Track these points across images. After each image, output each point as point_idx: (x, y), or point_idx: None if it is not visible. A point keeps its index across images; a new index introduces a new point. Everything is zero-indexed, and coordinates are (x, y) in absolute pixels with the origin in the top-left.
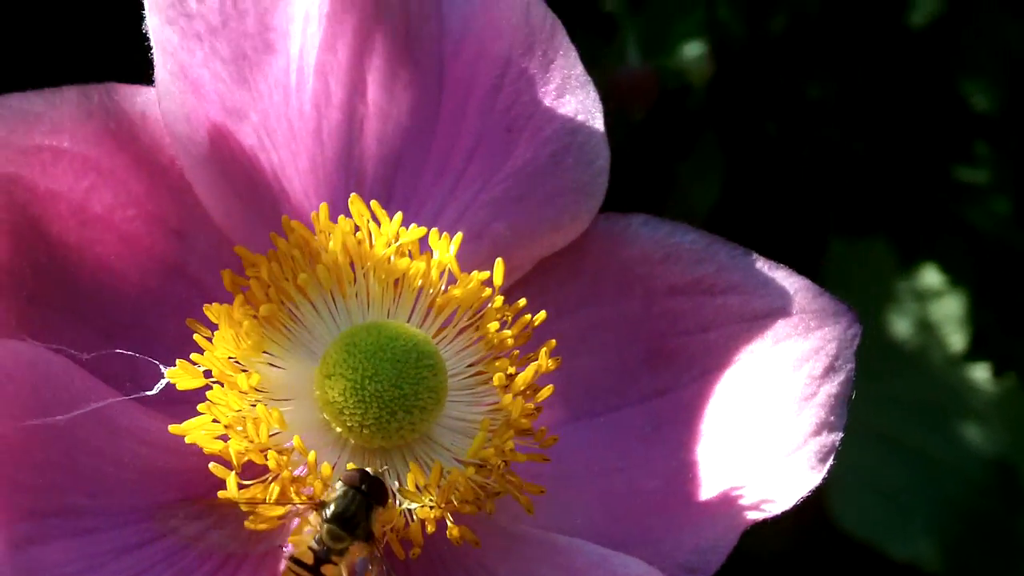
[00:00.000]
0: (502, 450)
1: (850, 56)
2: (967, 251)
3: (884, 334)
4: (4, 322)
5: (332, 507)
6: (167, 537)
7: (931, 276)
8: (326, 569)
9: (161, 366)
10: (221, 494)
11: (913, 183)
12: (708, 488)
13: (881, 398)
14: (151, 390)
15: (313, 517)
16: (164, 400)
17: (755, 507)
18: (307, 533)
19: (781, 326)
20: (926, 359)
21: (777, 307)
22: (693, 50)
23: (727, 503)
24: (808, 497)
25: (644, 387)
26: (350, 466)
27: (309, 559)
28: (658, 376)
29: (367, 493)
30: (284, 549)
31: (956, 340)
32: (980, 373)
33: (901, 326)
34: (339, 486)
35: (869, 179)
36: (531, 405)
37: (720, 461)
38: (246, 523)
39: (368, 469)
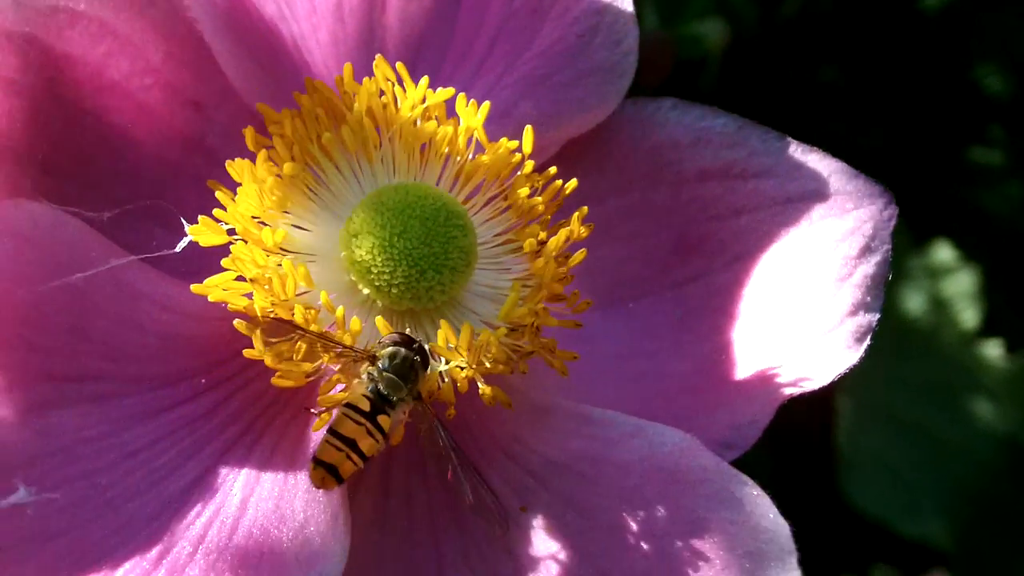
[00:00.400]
0: (534, 311)
1: (864, 39)
2: (979, 232)
3: (897, 312)
4: (19, 188)
5: (387, 358)
6: (188, 403)
7: (943, 252)
8: (381, 418)
9: (184, 224)
10: (247, 352)
11: (926, 164)
12: (742, 368)
13: (893, 377)
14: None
15: (364, 369)
16: (183, 271)
17: (792, 384)
18: (359, 383)
19: (816, 209)
20: (938, 338)
21: (811, 190)
22: (709, 25)
23: (762, 381)
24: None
25: (674, 274)
26: (381, 324)
27: (365, 407)
28: (688, 263)
29: (416, 351)
30: (312, 411)
31: (968, 317)
32: (992, 351)
33: (914, 303)
34: (386, 343)
35: (882, 159)
36: (563, 270)
37: (754, 342)
38: (273, 380)
39: (409, 333)
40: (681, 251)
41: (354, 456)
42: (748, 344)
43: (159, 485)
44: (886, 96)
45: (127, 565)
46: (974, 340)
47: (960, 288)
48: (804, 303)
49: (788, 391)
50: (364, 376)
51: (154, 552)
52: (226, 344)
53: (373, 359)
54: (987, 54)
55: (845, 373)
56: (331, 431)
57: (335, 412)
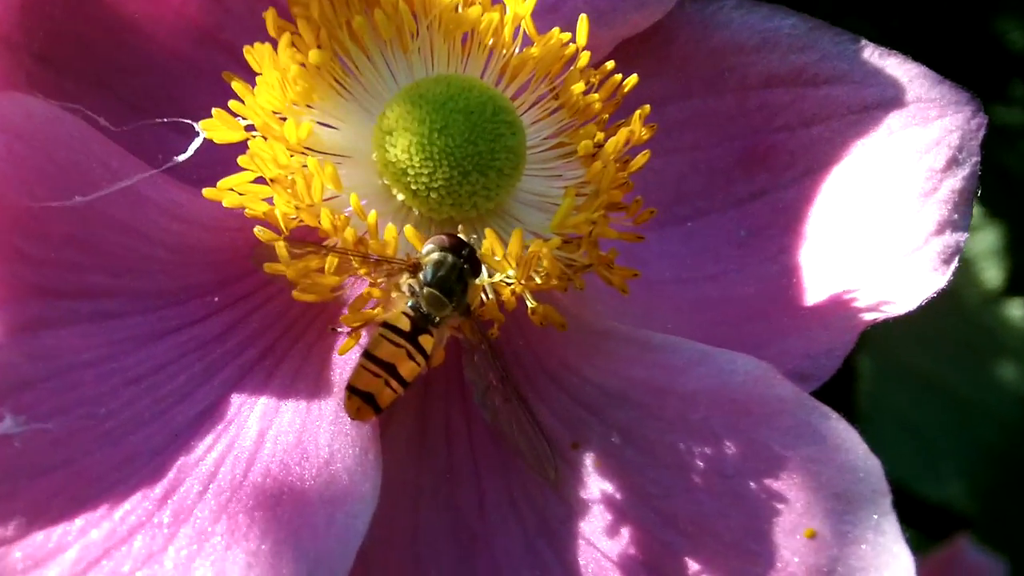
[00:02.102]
0: (591, 220)
1: None
2: (1002, 191)
3: None
4: (12, 80)
5: (431, 267)
6: (199, 324)
7: None
8: (423, 339)
9: (194, 124)
10: (268, 267)
11: None
12: (815, 292)
13: (914, 337)
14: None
15: (404, 282)
16: (196, 177)
17: (872, 308)
18: (397, 297)
19: (896, 117)
20: (960, 297)
21: (890, 97)
22: None
23: (839, 307)
24: None
25: (738, 190)
26: (412, 234)
27: (405, 326)
28: (754, 177)
29: (465, 257)
30: (340, 331)
31: (991, 276)
32: (1015, 311)
33: None
34: (430, 249)
35: None
36: (623, 175)
37: (827, 264)
38: (294, 293)
39: (459, 234)
40: (746, 165)
41: (393, 382)
42: (821, 266)
43: (165, 415)
44: (908, 50)
45: (127, 504)
46: (997, 300)
47: (983, 247)
48: (883, 221)
49: (869, 317)
50: (404, 289)
51: (158, 490)
52: (243, 257)
53: (414, 269)
54: (1010, 7)
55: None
56: (367, 355)
57: (370, 333)
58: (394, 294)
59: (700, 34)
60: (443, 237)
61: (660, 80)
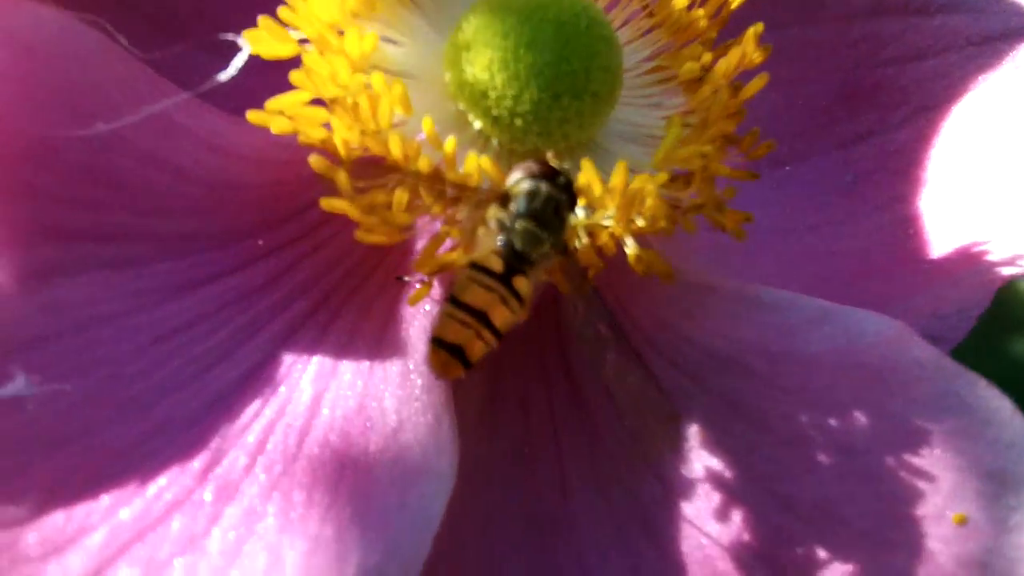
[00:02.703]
0: (702, 154)
1: None
2: None
3: None
4: None
5: (523, 200)
6: (241, 271)
7: None
8: (517, 281)
9: (236, 38)
10: (326, 203)
11: None
12: (939, 245)
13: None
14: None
15: (492, 216)
16: (234, 104)
17: (1009, 263)
18: (485, 233)
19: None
20: None
21: (1017, 27)
22: None
23: (970, 260)
24: None
25: (843, 130)
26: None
27: (497, 267)
28: (860, 116)
29: (562, 186)
30: (408, 279)
31: None
32: None
33: None
34: (519, 178)
35: None
36: (736, 102)
37: (951, 213)
38: (358, 234)
39: (554, 160)
40: (851, 102)
41: (486, 332)
42: (943, 216)
43: (203, 377)
44: None
45: (162, 480)
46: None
47: None
48: (1012, 165)
49: (1006, 272)
50: (491, 225)
51: (198, 463)
52: (293, 194)
53: (504, 200)
54: None
55: None
56: (453, 301)
57: (446, 281)
58: (480, 230)
59: None
60: (532, 164)
61: (753, 3)
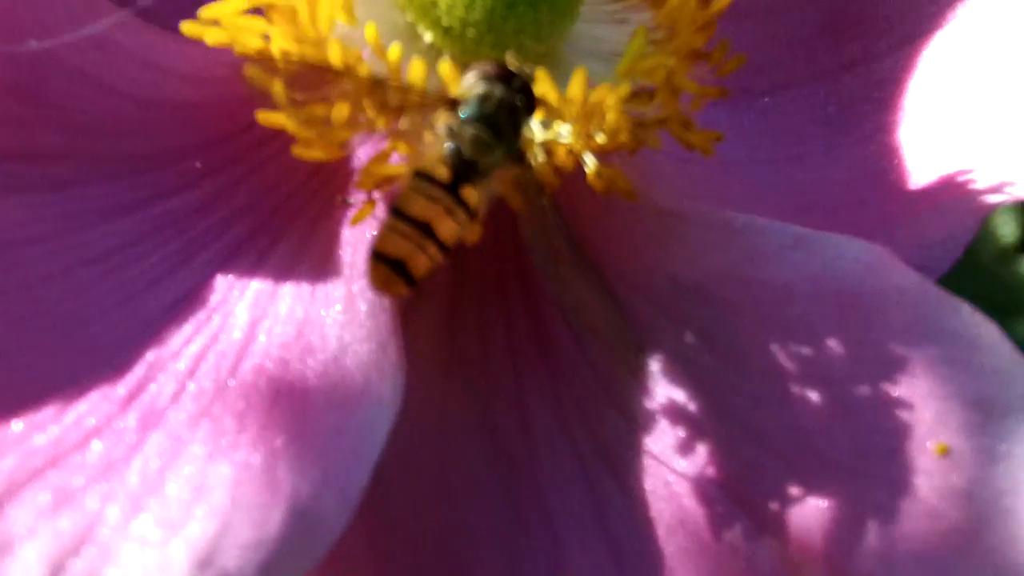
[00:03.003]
0: (666, 66)
1: None
2: None
3: None
4: None
5: (474, 103)
6: (176, 194)
7: None
8: (466, 192)
9: None
10: (263, 117)
11: None
12: (924, 174)
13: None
14: None
15: (440, 122)
16: (168, 16)
17: (994, 190)
18: (432, 139)
19: None
20: (976, 253)
21: None
22: None
23: (955, 188)
24: None
25: (823, 60)
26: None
27: (443, 175)
28: (842, 45)
29: (517, 89)
30: (350, 201)
31: (1007, 232)
32: None
33: None
34: (474, 78)
35: None
36: (707, 13)
37: (936, 142)
38: (295, 150)
39: (511, 63)
40: (833, 30)
41: (430, 246)
42: (927, 145)
43: (132, 301)
44: None
45: (82, 405)
46: (1014, 256)
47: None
48: (1000, 93)
49: (991, 199)
50: (439, 131)
51: (122, 389)
52: (230, 112)
53: (453, 104)
54: None
55: None
56: (395, 211)
57: (401, 187)
58: (427, 137)
59: None
60: (487, 66)
61: None
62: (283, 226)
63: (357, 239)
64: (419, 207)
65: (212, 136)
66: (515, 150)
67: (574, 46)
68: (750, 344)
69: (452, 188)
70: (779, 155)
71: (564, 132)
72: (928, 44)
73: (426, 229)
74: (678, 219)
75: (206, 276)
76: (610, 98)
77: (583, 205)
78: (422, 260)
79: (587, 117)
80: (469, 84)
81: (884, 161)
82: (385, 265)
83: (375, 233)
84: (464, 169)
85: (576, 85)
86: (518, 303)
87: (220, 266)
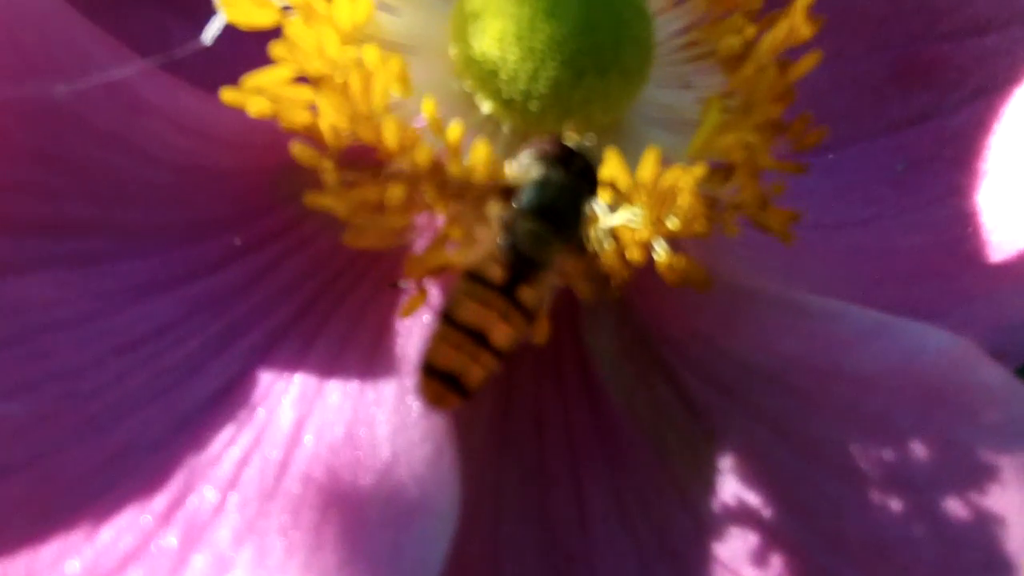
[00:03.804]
0: (745, 143)
1: None
2: None
3: None
4: None
5: (531, 191)
6: (215, 272)
7: None
8: (523, 292)
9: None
10: (310, 198)
11: None
12: (1003, 244)
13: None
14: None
15: (492, 212)
16: (209, 78)
17: None
18: (484, 233)
19: None
20: None
21: None
22: None
23: None
24: None
25: (892, 112)
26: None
27: (497, 276)
28: (912, 97)
29: (579, 172)
30: (403, 285)
31: None
32: None
33: None
34: (528, 160)
35: None
36: (784, 83)
37: (1014, 208)
38: (345, 237)
39: (571, 139)
40: (903, 81)
41: (484, 356)
42: (1003, 210)
43: (169, 395)
44: None
45: (121, 520)
46: None
47: None
48: None
49: None
50: (492, 223)
51: (162, 500)
52: (274, 182)
53: (507, 193)
54: None
55: None
56: (446, 319)
57: (447, 287)
58: (478, 230)
59: None
60: (543, 144)
61: None
62: (329, 310)
63: (410, 329)
64: (472, 314)
65: (252, 208)
66: (577, 239)
67: (642, 113)
68: (827, 440)
69: (507, 289)
70: (847, 219)
71: (634, 217)
72: (1006, 98)
73: (479, 337)
74: (750, 300)
75: (248, 366)
76: (684, 180)
77: (649, 284)
78: (476, 371)
79: (659, 201)
80: (523, 167)
81: (958, 228)
82: (437, 380)
83: (426, 343)
84: (520, 266)
85: (648, 166)
86: (576, 389)
87: (262, 354)
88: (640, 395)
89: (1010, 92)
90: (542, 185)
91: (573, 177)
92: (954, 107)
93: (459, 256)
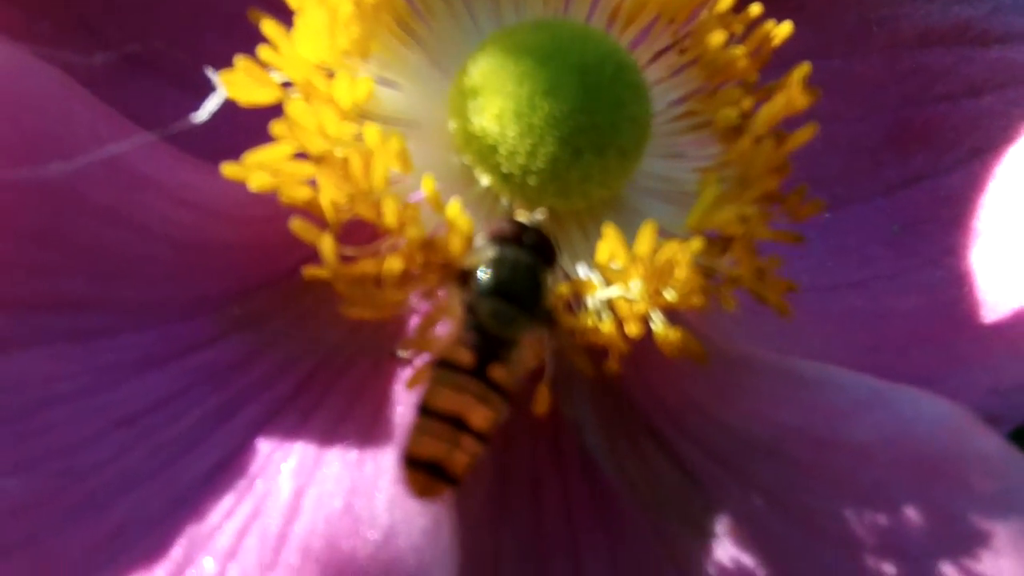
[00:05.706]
0: (743, 216)
1: None
2: None
3: None
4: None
5: (485, 274)
6: (213, 345)
7: None
8: (495, 371)
9: (210, 72)
10: (308, 272)
11: None
12: (998, 307)
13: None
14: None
15: (453, 297)
16: (208, 150)
17: None
18: (446, 331)
19: None
20: None
21: None
22: None
23: None
24: None
25: (888, 174)
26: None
27: (466, 360)
28: (908, 158)
29: (532, 249)
30: (404, 356)
31: None
32: None
33: None
34: (483, 242)
35: None
36: (781, 155)
37: (1010, 270)
38: (344, 309)
39: (517, 216)
40: (898, 142)
41: (466, 440)
42: (1001, 273)
43: (169, 470)
44: None
45: None
46: None
47: None
48: None
49: None
50: (456, 308)
51: (162, 573)
52: (273, 258)
53: (463, 277)
54: None
55: None
56: (423, 409)
57: (425, 380)
58: (448, 317)
59: None
60: (496, 224)
61: (792, 35)
62: (328, 384)
63: (409, 400)
64: (447, 400)
65: (251, 282)
66: (542, 312)
67: (639, 185)
68: (823, 510)
69: (479, 371)
70: (842, 280)
71: (631, 290)
72: (1000, 159)
73: (458, 423)
74: (745, 368)
75: (246, 439)
76: (681, 254)
77: (642, 360)
78: (459, 457)
79: (656, 275)
80: (478, 250)
81: (953, 289)
82: (422, 471)
83: (407, 435)
84: (488, 347)
85: (645, 239)
86: (572, 459)
87: (261, 427)
88: (632, 465)
89: (1005, 152)
90: (497, 263)
91: (527, 251)
92: (949, 168)
93: (430, 344)
